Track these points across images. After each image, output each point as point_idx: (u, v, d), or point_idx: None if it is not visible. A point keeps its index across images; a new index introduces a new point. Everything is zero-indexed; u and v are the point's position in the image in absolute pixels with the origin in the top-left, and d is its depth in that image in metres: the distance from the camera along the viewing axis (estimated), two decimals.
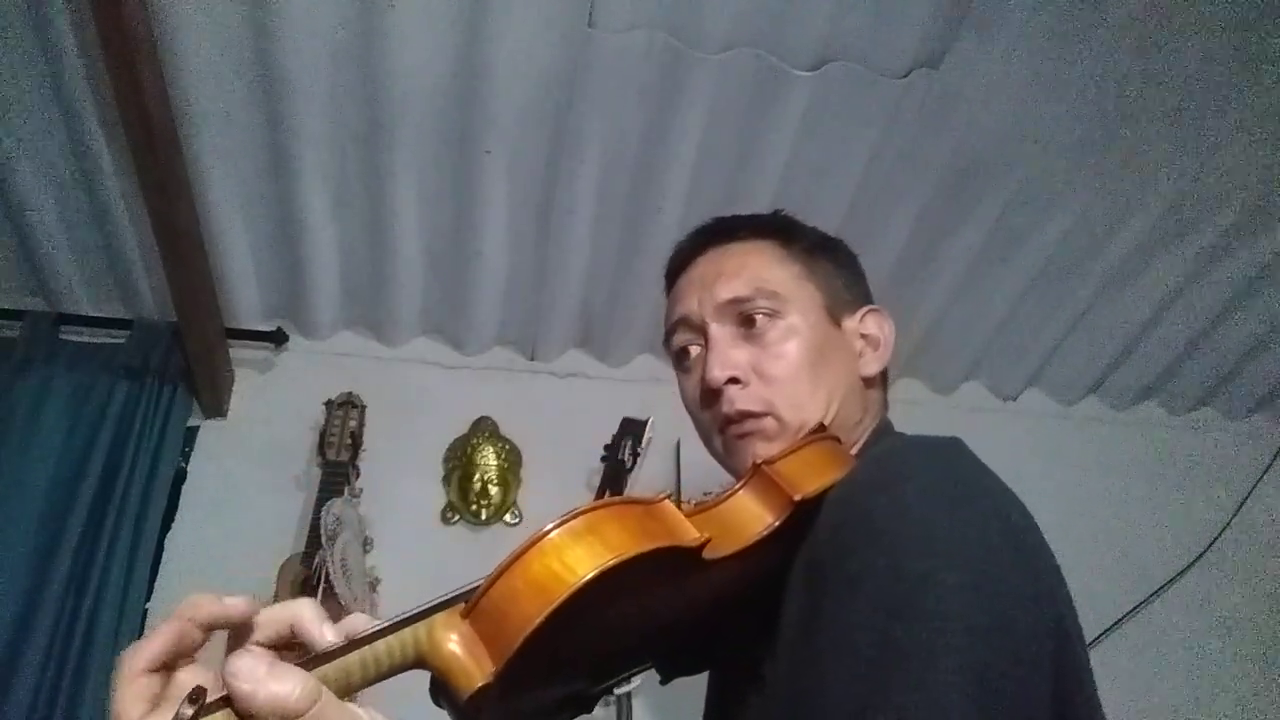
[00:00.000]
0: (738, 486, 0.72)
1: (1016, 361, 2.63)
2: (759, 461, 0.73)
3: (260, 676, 0.49)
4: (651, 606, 0.67)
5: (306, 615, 0.57)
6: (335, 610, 2.06)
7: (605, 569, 0.57)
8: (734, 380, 0.86)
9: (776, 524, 0.69)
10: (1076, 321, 2.50)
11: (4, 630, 1.94)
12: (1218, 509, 2.63)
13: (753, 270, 0.90)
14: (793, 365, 0.87)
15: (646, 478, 2.30)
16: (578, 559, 0.57)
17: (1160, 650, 2.44)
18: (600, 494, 2.28)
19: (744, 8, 1.75)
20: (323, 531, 2.03)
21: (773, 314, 0.88)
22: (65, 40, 1.76)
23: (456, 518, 2.33)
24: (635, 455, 2.33)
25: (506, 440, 2.42)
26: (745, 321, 0.89)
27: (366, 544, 2.15)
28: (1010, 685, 0.57)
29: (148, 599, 2.09)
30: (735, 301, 0.89)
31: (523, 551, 0.58)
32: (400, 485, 2.32)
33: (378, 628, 0.56)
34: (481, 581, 0.58)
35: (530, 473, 2.41)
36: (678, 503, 0.66)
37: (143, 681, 0.53)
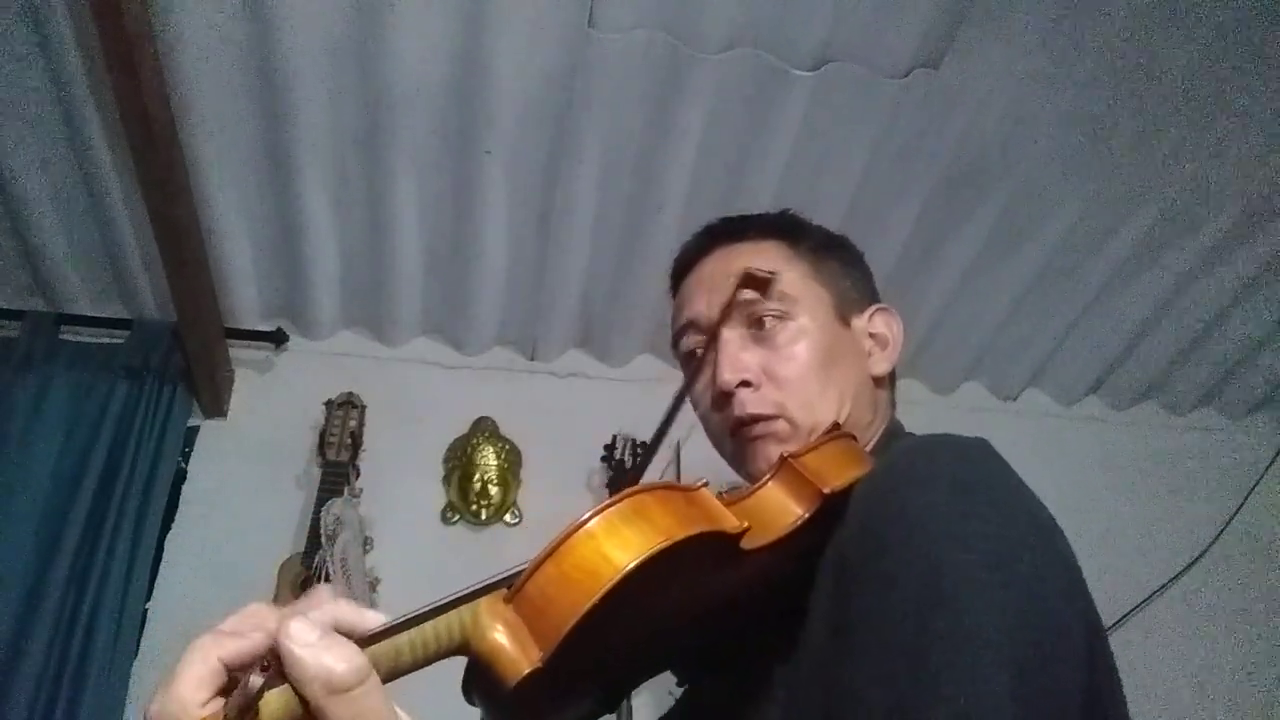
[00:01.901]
0: (766, 479, 0.72)
1: (1016, 361, 2.63)
2: (786, 455, 0.73)
3: (312, 642, 0.48)
4: (689, 597, 0.66)
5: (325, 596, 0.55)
6: None
7: (656, 551, 0.56)
8: (745, 383, 0.86)
9: (807, 516, 0.69)
10: (1076, 321, 2.50)
11: (4, 630, 1.94)
12: (1218, 509, 2.62)
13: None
14: (803, 367, 0.86)
15: (647, 478, 2.30)
16: (626, 542, 0.56)
17: (1160, 650, 2.44)
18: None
19: (744, 8, 1.75)
20: (323, 531, 2.03)
21: (782, 315, 0.88)
22: (65, 40, 1.76)
23: (456, 518, 2.33)
24: (637, 455, 2.33)
25: (506, 440, 2.42)
26: (754, 323, 0.88)
27: (366, 544, 2.15)
28: (1050, 680, 0.58)
29: (148, 599, 2.09)
30: (744, 303, 0.88)
31: (568, 536, 0.57)
32: (400, 485, 2.32)
33: (422, 610, 0.55)
34: (524, 566, 0.57)
35: (530, 473, 2.40)
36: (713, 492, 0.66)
37: (216, 669, 0.51)
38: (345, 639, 0.50)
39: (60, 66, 1.81)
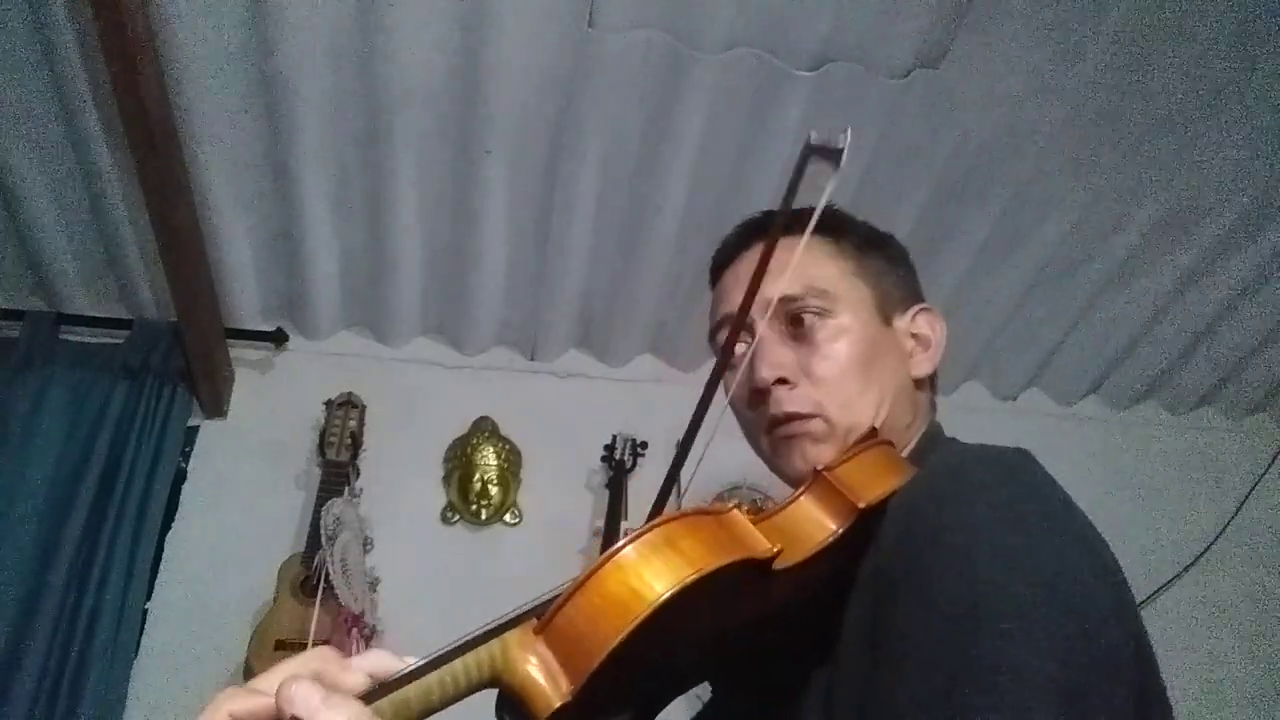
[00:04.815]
0: (799, 493, 0.70)
1: (1016, 361, 2.63)
2: (819, 468, 0.71)
3: (315, 706, 0.48)
4: (720, 620, 0.65)
5: (328, 656, 0.55)
6: (335, 610, 2.07)
7: (686, 584, 0.55)
8: (782, 381, 0.83)
9: (841, 531, 0.67)
10: (1076, 321, 2.50)
11: (5, 629, 1.94)
12: (1218, 509, 2.63)
13: (802, 267, 0.85)
14: (842, 366, 0.84)
15: (647, 478, 2.30)
16: (656, 574, 0.56)
17: (1160, 650, 2.43)
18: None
19: (744, 8, 1.74)
20: (323, 531, 2.03)
21: (822, 313, 0.85)
22: (66, 41, 1.76)
23: (456, 518, 2.33)
24: (637, 455, 2.33)
25: (506, 440, 2.42)
26: (794, 320, 0.85)
27: (366, 544, 2.15)
28: (1096, 699, 0.56)
29: (148, 599, 2.09)
30: (784, 300, 0.85)
31: (599, 567, 0.57)
32: (400, 485, 2.32)
33: (453, 646, 0.55)
34: (555, 597, 0.57)
35: (530, 473, 2.41)
36: (743, 511, 0.65)
37: None
38: (350, 700, 0.50)
39: (61, 67, 1.81)
